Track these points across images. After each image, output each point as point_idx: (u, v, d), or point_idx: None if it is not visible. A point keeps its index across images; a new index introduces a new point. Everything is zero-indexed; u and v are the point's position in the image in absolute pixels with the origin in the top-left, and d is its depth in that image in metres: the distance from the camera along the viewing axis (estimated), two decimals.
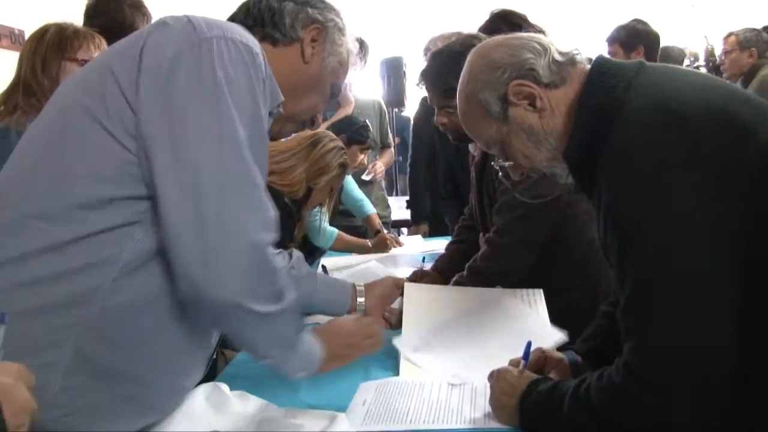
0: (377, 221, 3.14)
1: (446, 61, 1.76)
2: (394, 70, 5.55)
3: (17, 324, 0.89)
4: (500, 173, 1.21)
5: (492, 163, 1.18)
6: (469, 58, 1.18)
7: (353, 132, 2.90)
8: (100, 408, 0.96)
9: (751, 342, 0.92)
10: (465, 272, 1.77)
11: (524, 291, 1.61)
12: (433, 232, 3.45)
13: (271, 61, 1.06)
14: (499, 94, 1.10)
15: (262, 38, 1.12)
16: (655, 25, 3.26)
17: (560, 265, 1.76)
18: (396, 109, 6.07)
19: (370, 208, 3.15)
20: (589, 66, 1.10)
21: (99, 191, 0.94)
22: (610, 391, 0.96)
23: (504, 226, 1.72)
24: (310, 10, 1.17)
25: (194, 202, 0.91)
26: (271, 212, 0.98)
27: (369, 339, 1.35)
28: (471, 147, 1.98)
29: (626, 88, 1.01)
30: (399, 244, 2.95)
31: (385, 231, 3.11)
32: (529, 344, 1.27)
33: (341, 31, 1.21)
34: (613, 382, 0.96)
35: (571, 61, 1.10)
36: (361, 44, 3.48)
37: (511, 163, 1.16)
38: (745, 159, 0.93)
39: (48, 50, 1.81)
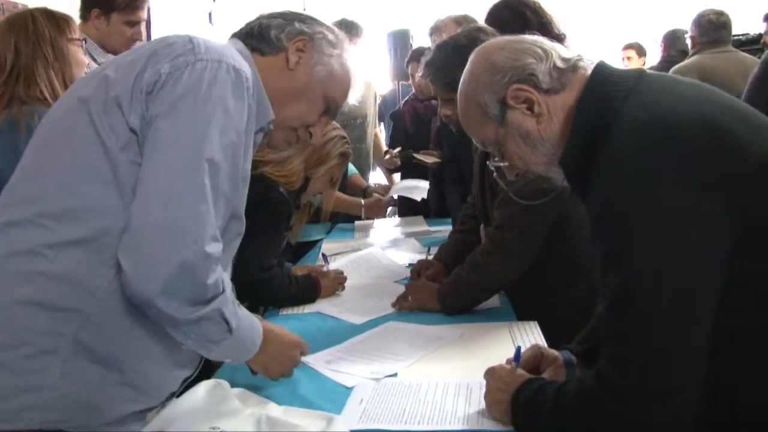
0: (361, 180, 3.00)
1: (450, 54, 1.75)
2: (400, 43, 5.48)
3: (22, 312, 0.98)
4: (495, 173, 1.22)
5: (488, 162, 1.19)
6: (471, 57, 1.18)
7: None
8: (96, 391, 1.03)
9: (726, 356, 0.95)
10: (465, 265, 1.78)
11: None
12: (434, 215, 3.41)
13: (260, 70, 1.19)
14: (499, 97, 1.11)
15: (253, 50, 1.22)
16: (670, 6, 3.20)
17: (560, 261, 1.77)
18: (403, 82, 6.03)
19: (350, 168, 2.95)
20: (589, 72, 1.10)
21: (101, 197, 1.01)
22: (583, 396, 0.99)
23: (505, 221, 1.73)
24: (297, 24, 1.25)
25: (144, 202, 0.97)
26: (214, 232, 1.00)
27: (294, 363, 1.37)
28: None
29: (624, 99, 1.01)
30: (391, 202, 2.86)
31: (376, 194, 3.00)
32: (518, 349, 1.29)
33: (331, 43, 1.26)
34: (586, 388, 0.99)
35: (572, 67, 1.11)
36: (353, 26, 3.45)
37: (507, 163, 1.17)
38: (735, 176, 0.93)
39: (53, 35, 1.80)
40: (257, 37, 1.23)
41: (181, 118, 1.00)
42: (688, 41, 3.64)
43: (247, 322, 1.16)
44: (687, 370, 0.93)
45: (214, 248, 0.99)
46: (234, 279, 1.80)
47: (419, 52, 3.11)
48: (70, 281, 0.99)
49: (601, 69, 1.09)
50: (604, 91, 1.05)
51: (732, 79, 2.99)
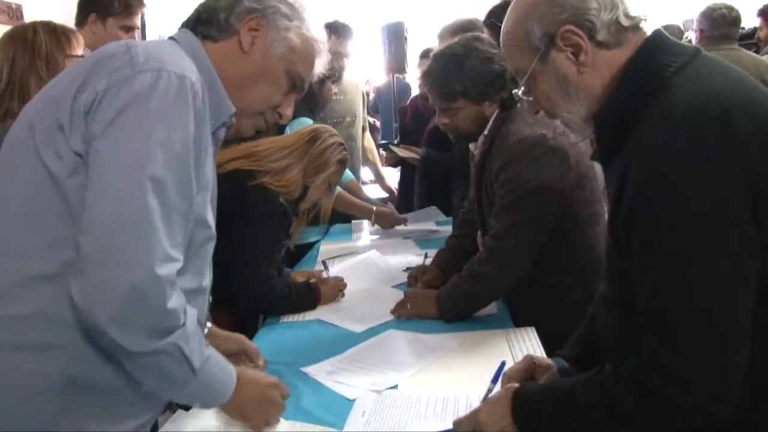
0: (358, 186, 3.02)
1: (448, 64, 1.77)
2: (395, 36, 5.47)
3: (5, 357, 0.96)
4: (518, 102, 1.20)
5: (513, 91, 1.16)
6: None
7: None
8: (100, 416, 1.02)
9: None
10: (463, 274, 1.80)
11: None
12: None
13: (214, 59, 1.12)
14: (548, 32, 1.05)
15: (204, 37, 1.14)
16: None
17: (557, 268, 1.79)
18: (398, 75, 6.02)
19: (347, 174, 2.87)
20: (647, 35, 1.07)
21: (59, 229, 0.98)
22: (637, 388, 0.96)
23: (502, 230, 1.75)
24: (246, 2, 1.15)
25: (88, 227, 0.93)
26: (165, 252, 0.95)
27: (275, 407, 1.28)
28: (471, 146, 1.99)
29: (678, 70, 0.99)
30: (402, 221, 2.85)
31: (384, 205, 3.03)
32: (502, 365, 1.30)
33: (287, 16, 1.17)
34: (640, 379, 0.96)
35: (634, 26, 1.05)
36: (343, 28, 3.45)
37: (531, 98, 1.14)
38: None
39: (50, 50, 1.77)
40: (206, 22, 1.15)
41: (120, 136, 0.95)
42: (692, 34, 3.61)
43: (217, 363, 1.10)
44: (742, 351, 0.92)
45: (167, 269, 0.94)
46: (235, 291, 1.84)
47: (429, 51, 3.10)
48: (44, 319, 0.97)
49: (659, 35, 1.05)
50: (657, 58, 1.01)
51: None
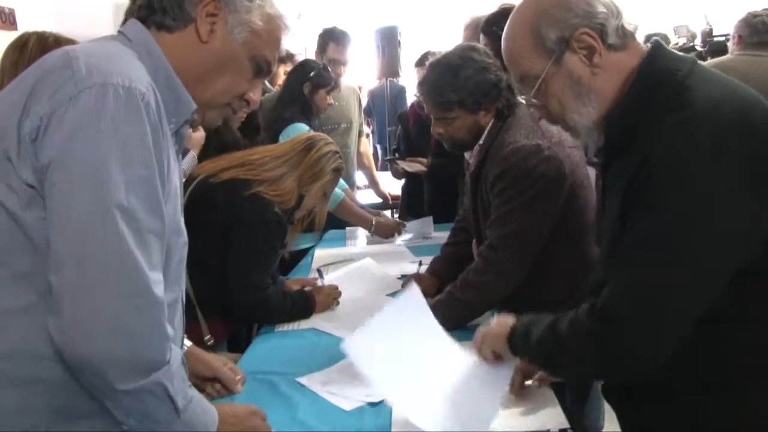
0: (353, 197, 3.01)
1: (443, 73, 1.78)
2: (388, 40, 5.48)
3: None
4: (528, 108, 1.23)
5: (520, 98, 1.19)
6: None
7: (316, 76, 2.85)
8: None
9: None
10: (458, 283, 1.80)
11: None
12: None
13: (169, 53, 1.04)
14: (563, 36, 1.09)
15: (158, 28, 1.05)
16: (656, 3, 3.19)
17: (551, 277, 1.80)
18: (391, 79, 6.02)
19: (342, 184, 2.81)
20: (644, 45, 1.13)
21: (25, 263, 0.94)
22: (576, 318, 1.09)
23: (497, 240, 1.75)
24: None
25: (57, 265, 0.89)
26: (150, 277, 0.92)
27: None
28: (467, 155, 1.99)
29: (687, 74, 1.05)
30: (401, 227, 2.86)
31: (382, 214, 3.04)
32: None
33: None
34: (581, 311, 1.08)
35: (633, 34, 1.12)
36: (342, 35, 3.45)
37: (538, 104, 1.16)
38: None
39: (32, 61, 1.74)
40: (158, 11, 1.05)
41: (75, 167, 0.89)
42: (682, 41, 3.61)
43: (200, 405, 1.05)
44: (683, 326, 0.99)
45: (159, 291, 0.93)
46: (230, 300, 1.84)
47: (426, 57, 3.10)
48: (24, 354, 0.93)
49: (660, 44, 1.12)
50: (666, 63, 1.07)
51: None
